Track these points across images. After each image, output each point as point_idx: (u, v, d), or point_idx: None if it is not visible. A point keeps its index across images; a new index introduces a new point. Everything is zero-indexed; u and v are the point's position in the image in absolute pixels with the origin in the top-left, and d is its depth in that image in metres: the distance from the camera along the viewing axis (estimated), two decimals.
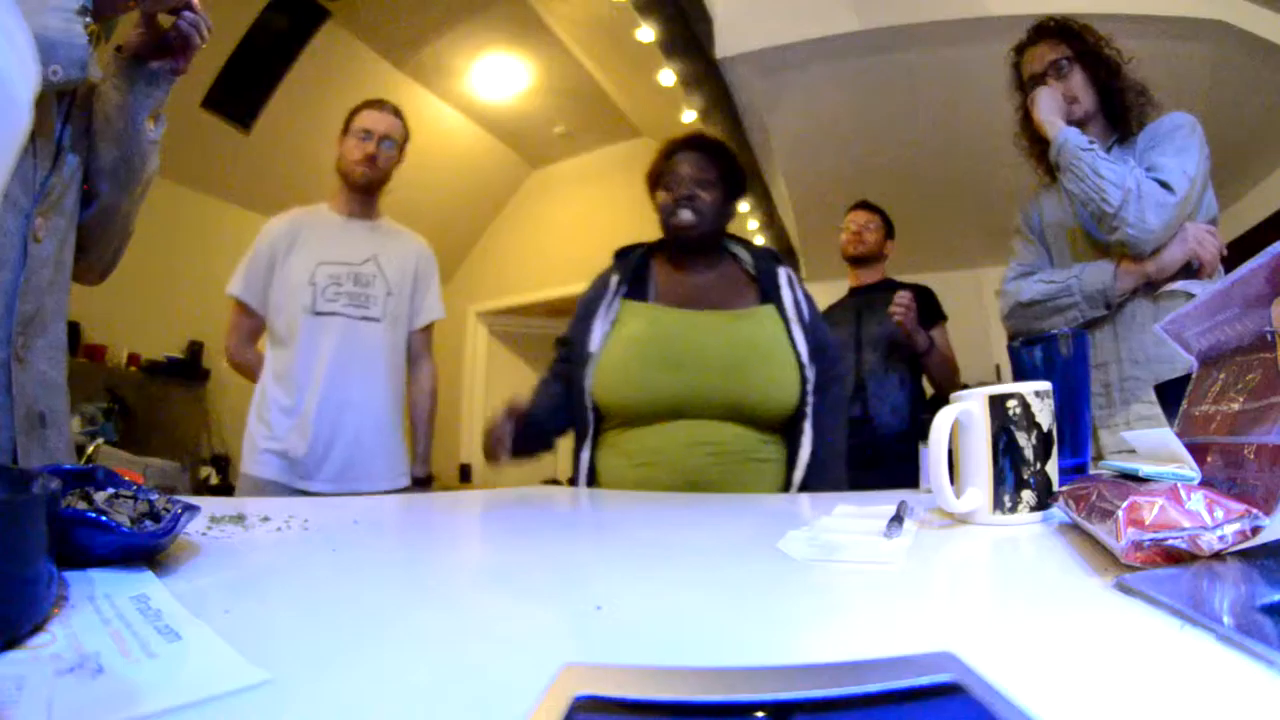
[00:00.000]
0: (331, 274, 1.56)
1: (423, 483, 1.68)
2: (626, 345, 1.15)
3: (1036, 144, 1.35)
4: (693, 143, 1.27)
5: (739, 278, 1.24)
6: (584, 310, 1.22)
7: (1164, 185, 1.14)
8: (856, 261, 2.11)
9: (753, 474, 1.11)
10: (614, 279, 1.22)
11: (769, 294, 1.20)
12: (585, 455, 1.17)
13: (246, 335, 1.66)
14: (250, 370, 1.64)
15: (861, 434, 1.97)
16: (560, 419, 1.21)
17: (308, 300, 1.54)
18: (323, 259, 1.56)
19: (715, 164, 1.25)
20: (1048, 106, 1.27)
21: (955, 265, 3.18)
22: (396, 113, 1.67)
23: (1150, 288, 1.19)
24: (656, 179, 1.26)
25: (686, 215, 1.19)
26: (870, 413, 1.95)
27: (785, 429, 1.14)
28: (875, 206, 2.16)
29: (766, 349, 1.14)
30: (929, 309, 1.99)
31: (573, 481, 1.20)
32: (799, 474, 1.11)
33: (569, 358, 1.21)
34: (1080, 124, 1.28)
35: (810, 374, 1.13)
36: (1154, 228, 1.13)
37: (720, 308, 1.18)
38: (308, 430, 1.51)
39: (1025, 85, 1.36)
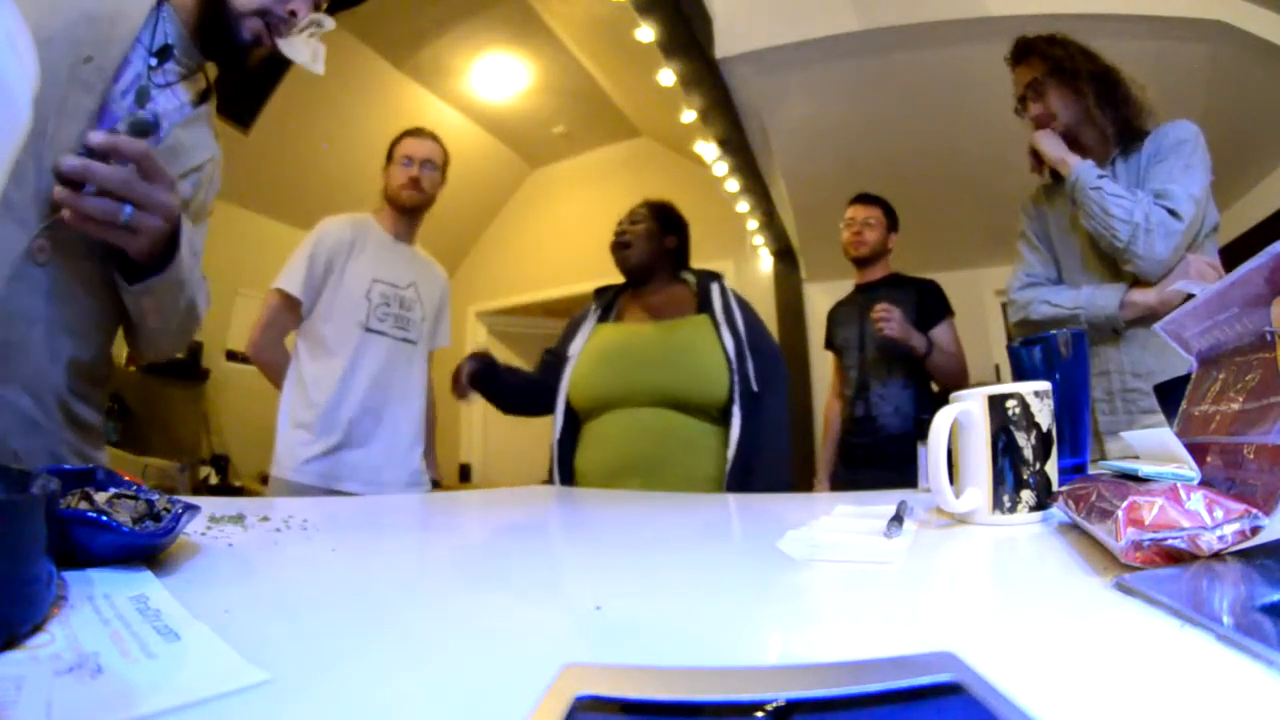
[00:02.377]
0: (384, 293, 1.63)
1: (432, 485, 1.75)
2: (589, 355, 1.45)
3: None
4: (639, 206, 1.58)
5: (685, 297, 1.51)
6: (568, 329, 1.53)
7: (1172, 213, 1.15)
8: (860, 260, 2.08)
9: (691, 457, 1.33)
10: (592, 308, 1.55)
11: (703, 306, 1.45)
12: (557, 448, 1.41)
13: (280, 332, 1.66)
14: (276, 367, 1.65)
15: (865, 433, 1.96)
16: (525, 391, 1.52)
17: (362, 315, 1.60)
18: (377, 276, 1.63)
19: (650, 207, 1.56)
20: (1051, 146, 1.30)
21: (956, 265, 3.18)
22: (435, 138, 1.77)
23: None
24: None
25: (620, 251, 1.52)
26: (873, 412, 1.94)
27: (724, 420, 1.34)
28: (875, 198, 2.10)
29: (694, 347, 1.38)
30: (935, 305, 1.96)
31: (551, 471, 1.42)
32: (732, 450, 1.30)
33: (552, 363, 1.49)
34: (1071, 139, 1.29)
35: (738, 367, 1.34)
36: (1163, 257, 1.16)
37: (665, 319, 1.47)
38: (346, 438, 1.56)
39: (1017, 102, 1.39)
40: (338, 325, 1.58)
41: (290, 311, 1.62)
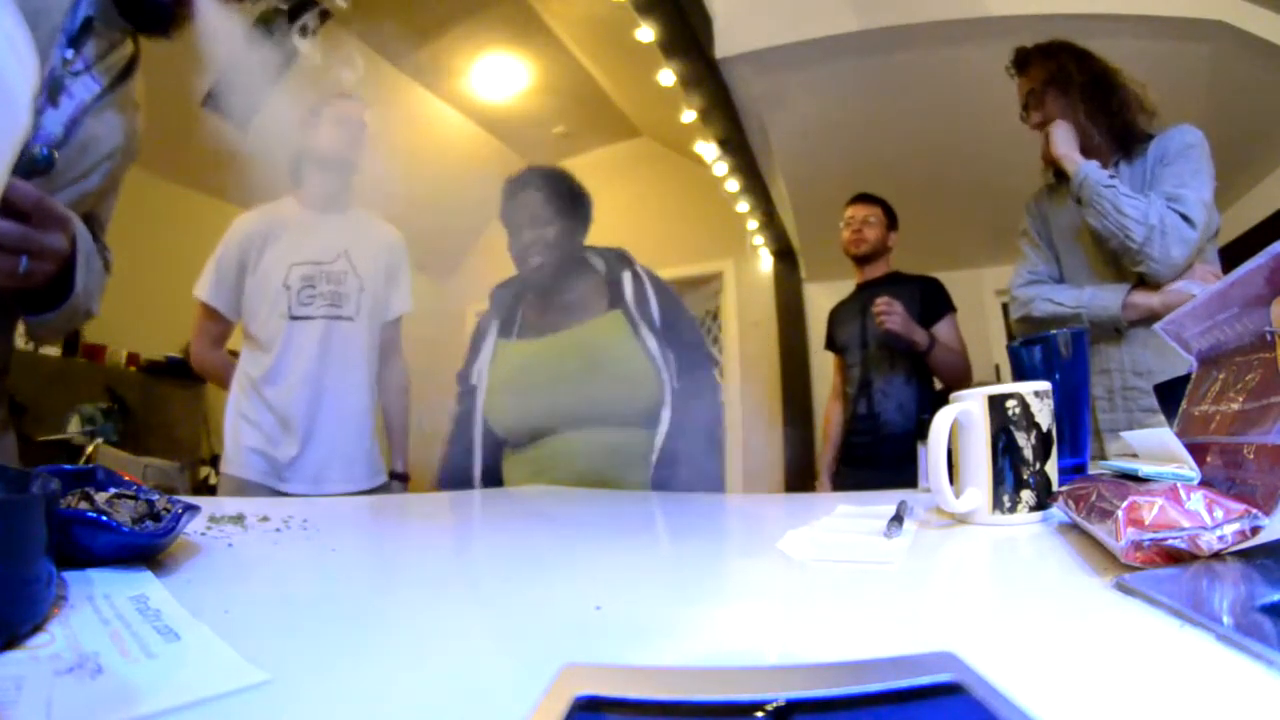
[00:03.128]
0: (305, 275, 1.51)
1: (401, 479, 1.64)
2: (499, 381, 1.30)
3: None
4: (524, 181, 1.36)
5: (596, 288, 1.33)
6: (471, 350, 1.37)
7: (1185, 218, 1.15)
8: (860, 259, 2.08)
9: (634, 471, 1.20)
10: (492, 322, 1.37)
11: (615, 299, 1.29)
12: (478, 468, 1.28)
13: (213, 340, 1.61)
14: (216, 372, 1.61)
15: (867, 432, 1.96)
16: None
17: (284, 305, 1.49)
18: (295, 260, 1.51)
19: (550, 198, 1.32)
20: (1063, 140, 1.28)
21: (956, 265, 3.18)
22: (364, 101, 1.64)
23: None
24: (503, 219, 1.37)
25: (534, 260, 1.30)
26: (876, 409, 1.94)
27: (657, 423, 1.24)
28: (874, 198, 2.10)
29: (612, 354, 1.24)
30: (936, 301, 1.96)
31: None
32: (657, 450, 1.18)
33: (465, 393, 1.35)
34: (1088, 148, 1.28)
35: (664, 365, 1.22)
36: (1178, 261, 1.16)
37: (577, 321, 1.30)
38: (290, 434, 1.48)
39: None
40: (263, 320, 1.50)
41: (212, 318, 1.56)
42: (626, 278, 1.29)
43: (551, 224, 1.30)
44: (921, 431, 0.91)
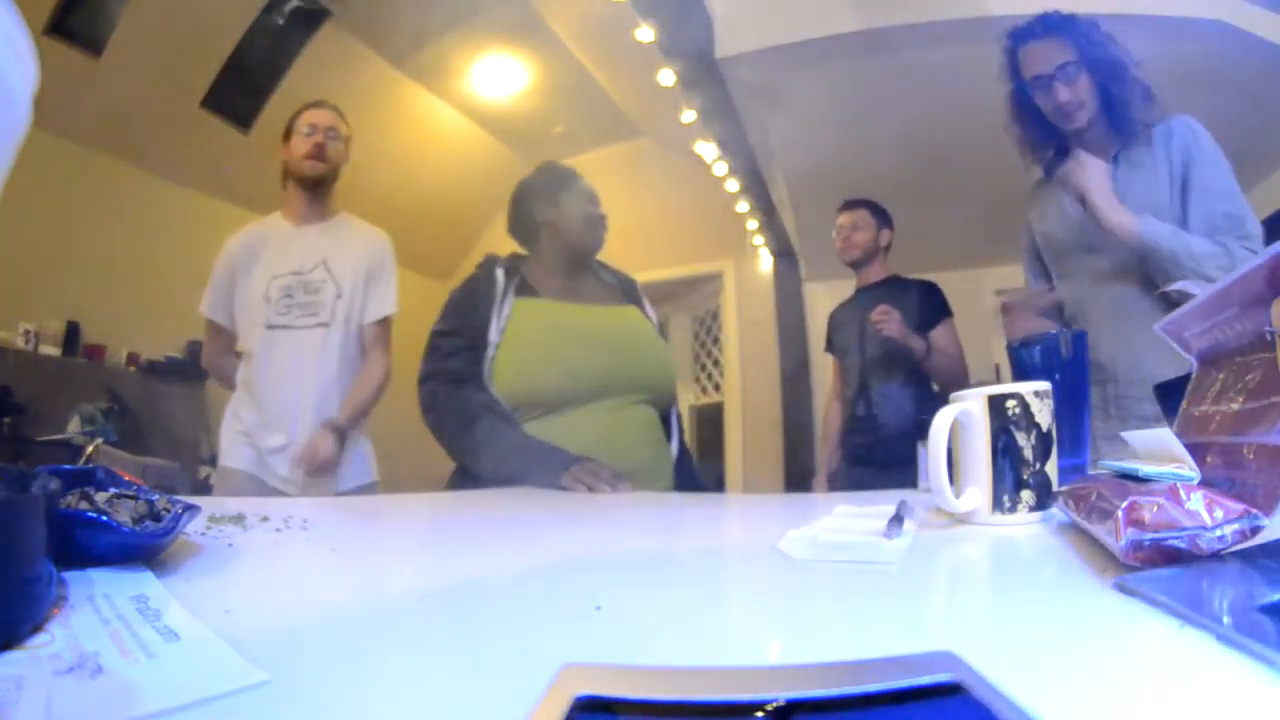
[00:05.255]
0: (283, 286, 1.58)
1: (336, 430, 1.56)
2: (531, 337, 1.21)
3: (1029, 134, 1.31)
4: (573, 171, 1.47)
5: (603, 291, 1.37)
6: (469, 304, 1.24)
7: (1248, 238, 1.09)
8: (854, 264, 2.10)
9: (663, 458, 1.24)
10: (500, 274, 1.26)
11: (629, 297, 1.36)
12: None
13: (220, 348, 1.72)
14: (226, 376, 1.70)
15: (866, 433, 1.97)
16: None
17: (263, 316, 1.58)
18: (275, 272, 1.59)
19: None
20: (1101, 186, 1.11)
21: (956, 265, 3.18)
22: (336, 109, 1.69)
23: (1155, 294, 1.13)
24: (565, 190, 1.40)
25: (603, 228, 1.38)
26: (874, 411, 1.95)
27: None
28: (861, 201, 2.11)
29: (650, 337, 1.31)
30: (933, 305, 1.97)
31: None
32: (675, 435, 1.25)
33: (458, 350, 1.21)
34: (1081, 131, 1.23)
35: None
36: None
37: (599, 305, 1.32)
38: (274, 432, 1.56)
39: (1028, 81, 1.29)
40: (247, 331, 1.61)
41: (215, 330, 1.67)
42: (637, 285, 1.40)
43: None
44: (921, 431, 0.91)
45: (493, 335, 1.19)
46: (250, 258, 1.62)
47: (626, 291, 1.38)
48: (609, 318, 1.30)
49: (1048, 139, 1.33)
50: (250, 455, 1.57)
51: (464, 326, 1.22)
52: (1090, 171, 1.14)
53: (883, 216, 2.10)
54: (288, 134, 1.66)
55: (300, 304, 1.58)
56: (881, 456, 1.90)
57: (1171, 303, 1.04)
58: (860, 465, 1.98)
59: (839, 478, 2.07)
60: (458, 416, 1.16)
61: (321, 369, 1.58)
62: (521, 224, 1.40)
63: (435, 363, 1.23)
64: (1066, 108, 1.22)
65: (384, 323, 1.68)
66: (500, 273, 1.26)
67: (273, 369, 1.57)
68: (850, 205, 2.12)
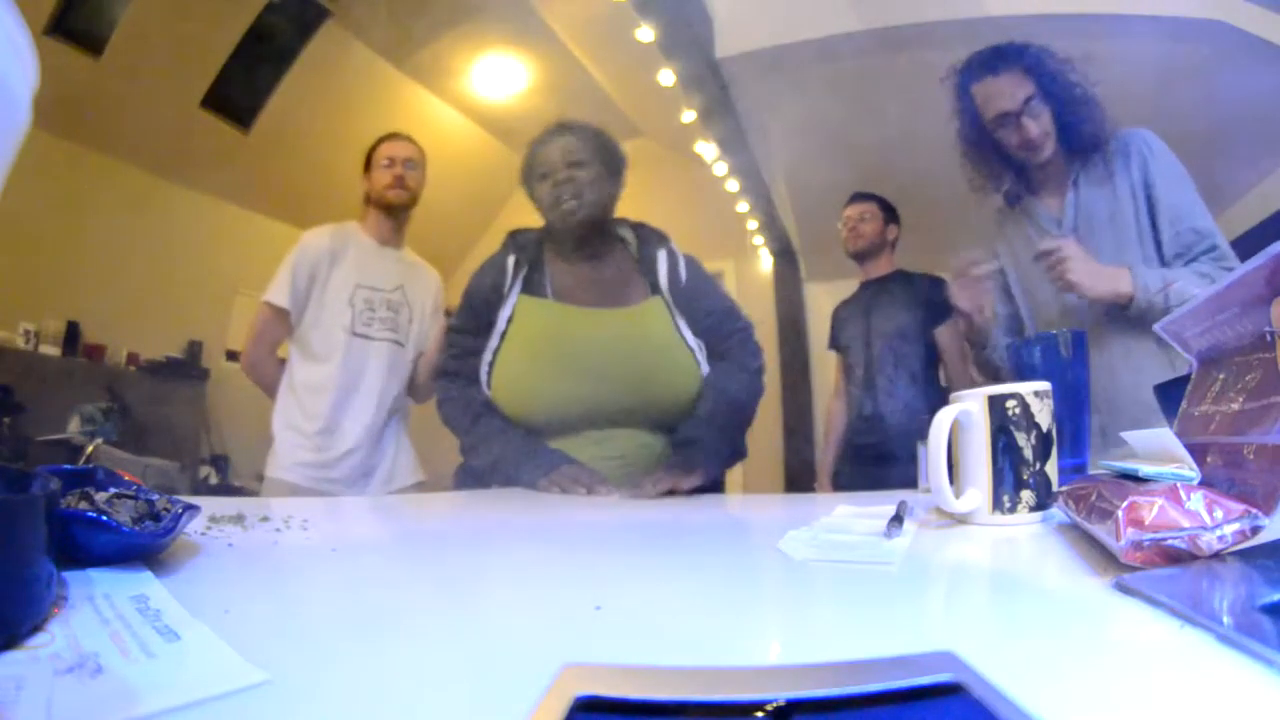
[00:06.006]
0: (367, 298, 1.66)
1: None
2: (527, 348, 1.12)
3: (987, 169, 1.30)
4: (559, 128, 1.22)
5: (629, 267, 1.20)
6: (480, 298, 1.17)
7: (1214, 249, 1.09)
8: (860, 256, 2.08)
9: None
10: (511, 264, 1.16)
11: (654, 284, 1.17)
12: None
13: (272, 344, 1.72)
14: (269, 380, 1.70)
15: (872, 432, 1.95)
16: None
17: (347, 320, 1.63)
18: (360, 282, 1.66)
19: (586, 142, 1.18)
20: (1085, 272, 1.08)
21: None
22: (411, 139, 1.79)
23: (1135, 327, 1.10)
24: (528, 175, 1.22)
25: (567, 204, 1.14)
26: (881, 409, 1.93)
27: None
28: (870, 195, 2.10)
29: (663, 348, 1.13)
30: (940, 301, 1.96)
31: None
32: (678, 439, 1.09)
33: (466, 352, 1.17)
34: (1046, 163, 1.21)
35: (702, 359, 1.13)
36: None
37: (616, 303, 1.16)
38: (342, 440, 1.61)
39: (992, 120, 1.25)
40: (325, 331, 1.63)
41: (280, 323, 1.67)
42: (661, 256, 1.18)
43: (587, 166, 1.16)
44: (921, 431, 0.91)
45: (493, 340, 1.14)
46: (332, 260, 1.66)
47: (644, 262, 1.19)
48: (619, 324, 1.15)
49: (1005, 169, 1.31)
50: (313, 472, 1.59)
51: (474, 325, 1.18)
52: (1072, 265, 1.09)
53: (890, 212, 2.09)
54: (367, 165, 1.76)
55: (382, 319, 1.67)
56: (889, 455, 1.88)
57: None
58: (868, 464, 1.96)
59: (844, 477, 2.05)
60: (464, 413, 1.15)
61: (390, 383, 1.68)
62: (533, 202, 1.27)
63: (448, 360, 1.23)
64: (1035, 142, 1.20)
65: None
66: (510, 262, 1.16)
67: (350, 374, 1.62)
68: (859, 198, 2.11)
